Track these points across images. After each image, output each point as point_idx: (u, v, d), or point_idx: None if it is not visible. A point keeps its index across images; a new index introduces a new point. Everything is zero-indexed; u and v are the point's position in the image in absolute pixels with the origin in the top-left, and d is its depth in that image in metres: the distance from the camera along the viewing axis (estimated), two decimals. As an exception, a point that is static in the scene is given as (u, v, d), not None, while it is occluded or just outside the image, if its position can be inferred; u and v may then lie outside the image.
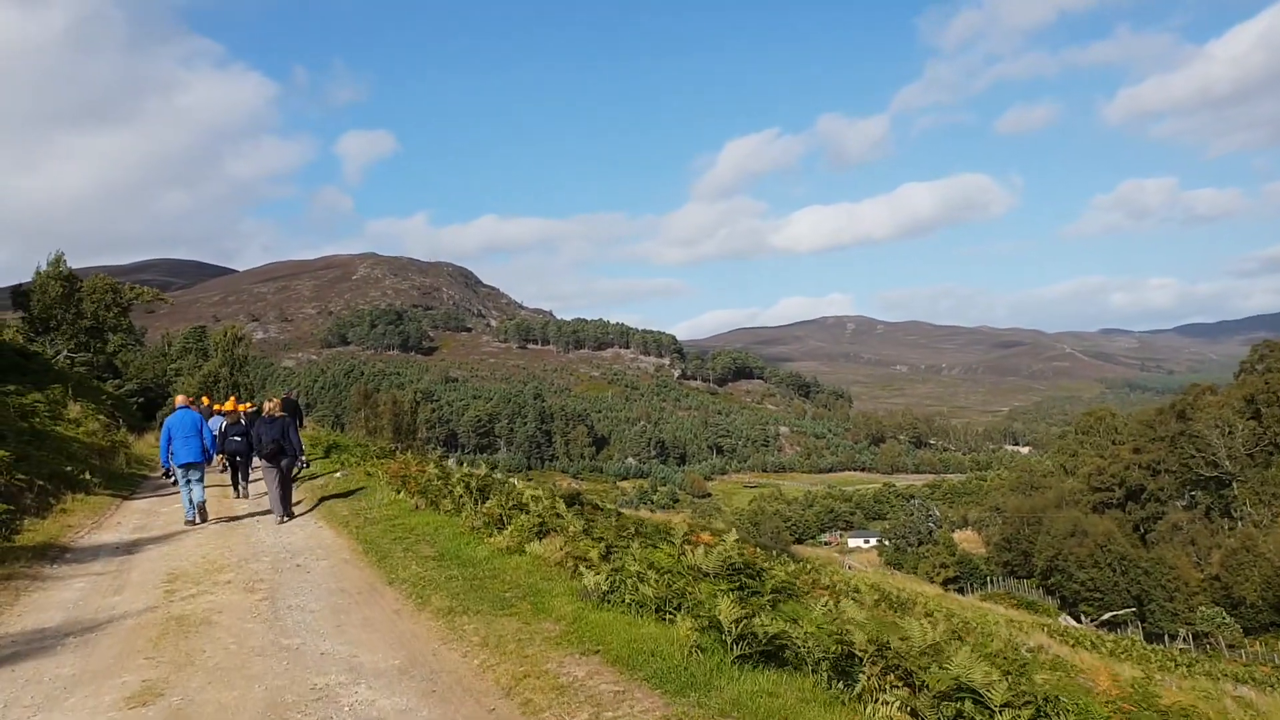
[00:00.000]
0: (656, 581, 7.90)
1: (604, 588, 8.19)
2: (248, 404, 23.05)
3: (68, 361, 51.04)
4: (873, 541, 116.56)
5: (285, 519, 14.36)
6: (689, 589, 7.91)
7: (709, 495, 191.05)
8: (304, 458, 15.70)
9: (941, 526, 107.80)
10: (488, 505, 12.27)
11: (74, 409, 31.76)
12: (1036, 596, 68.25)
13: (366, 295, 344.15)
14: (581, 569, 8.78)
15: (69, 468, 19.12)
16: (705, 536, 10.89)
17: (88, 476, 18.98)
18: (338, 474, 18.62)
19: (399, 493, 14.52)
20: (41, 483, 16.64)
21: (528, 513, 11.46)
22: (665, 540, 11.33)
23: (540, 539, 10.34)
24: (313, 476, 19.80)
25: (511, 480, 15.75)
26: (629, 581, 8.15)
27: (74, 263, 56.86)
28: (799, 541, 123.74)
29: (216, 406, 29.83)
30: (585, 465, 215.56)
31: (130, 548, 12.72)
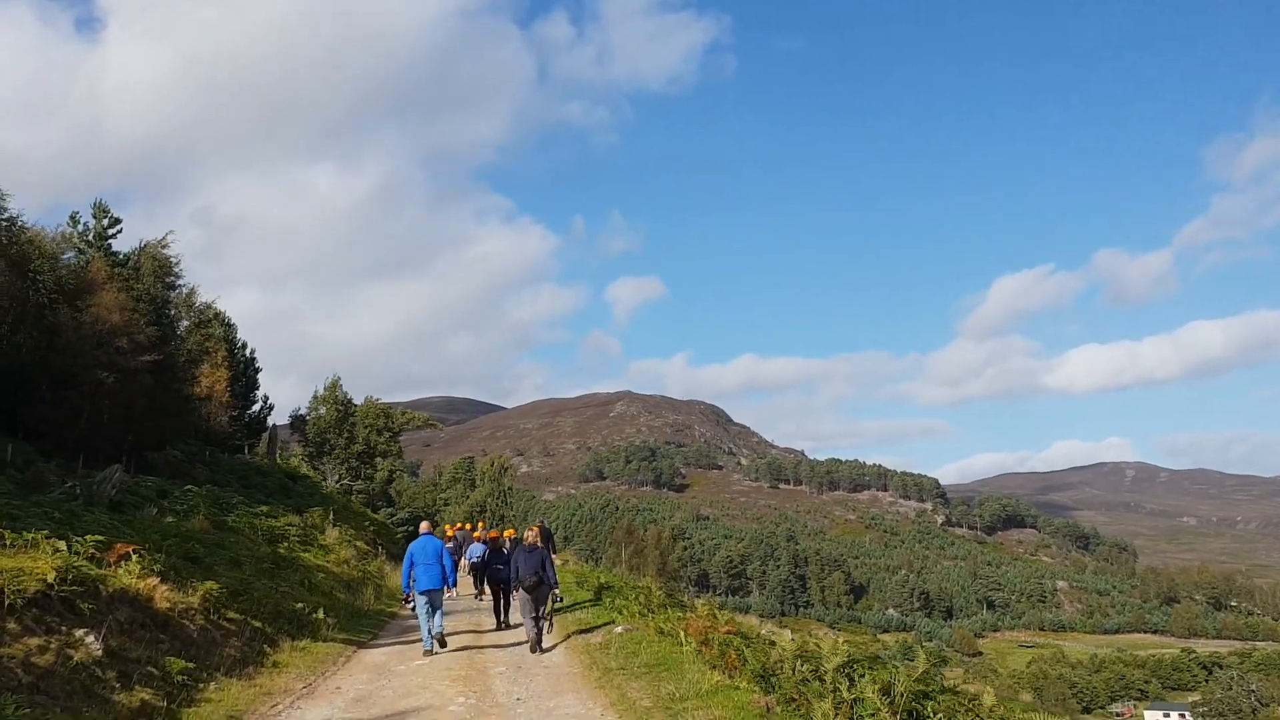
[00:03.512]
0: None
1: None
2: (494, 532, 21.93)
3: (340, 486, 50.75)
4: (1174, 716, 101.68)
5: (537, 649, 13.84)
6: None
7: (980, 654, 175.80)
8: (558, 590, 15.61)
9: (1267, 706, 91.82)
10: None
11: (331, 535, 29.56)
12: None
13: (623, 432, 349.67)
14: None
15: (299, 604, 15.82)
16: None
17: (320, 615, 15.57)
18: (618, 629, 14.19)
19: (723, 674, 9.86)
20: (258, 624, 13.23)
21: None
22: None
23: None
24: (588, 630, 15.54)
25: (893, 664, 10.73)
26: None
27: (361, 398, 57.43)
28: (1087, 710, 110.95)
29: (477, 535, 26.91)
30: (842, 614, 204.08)
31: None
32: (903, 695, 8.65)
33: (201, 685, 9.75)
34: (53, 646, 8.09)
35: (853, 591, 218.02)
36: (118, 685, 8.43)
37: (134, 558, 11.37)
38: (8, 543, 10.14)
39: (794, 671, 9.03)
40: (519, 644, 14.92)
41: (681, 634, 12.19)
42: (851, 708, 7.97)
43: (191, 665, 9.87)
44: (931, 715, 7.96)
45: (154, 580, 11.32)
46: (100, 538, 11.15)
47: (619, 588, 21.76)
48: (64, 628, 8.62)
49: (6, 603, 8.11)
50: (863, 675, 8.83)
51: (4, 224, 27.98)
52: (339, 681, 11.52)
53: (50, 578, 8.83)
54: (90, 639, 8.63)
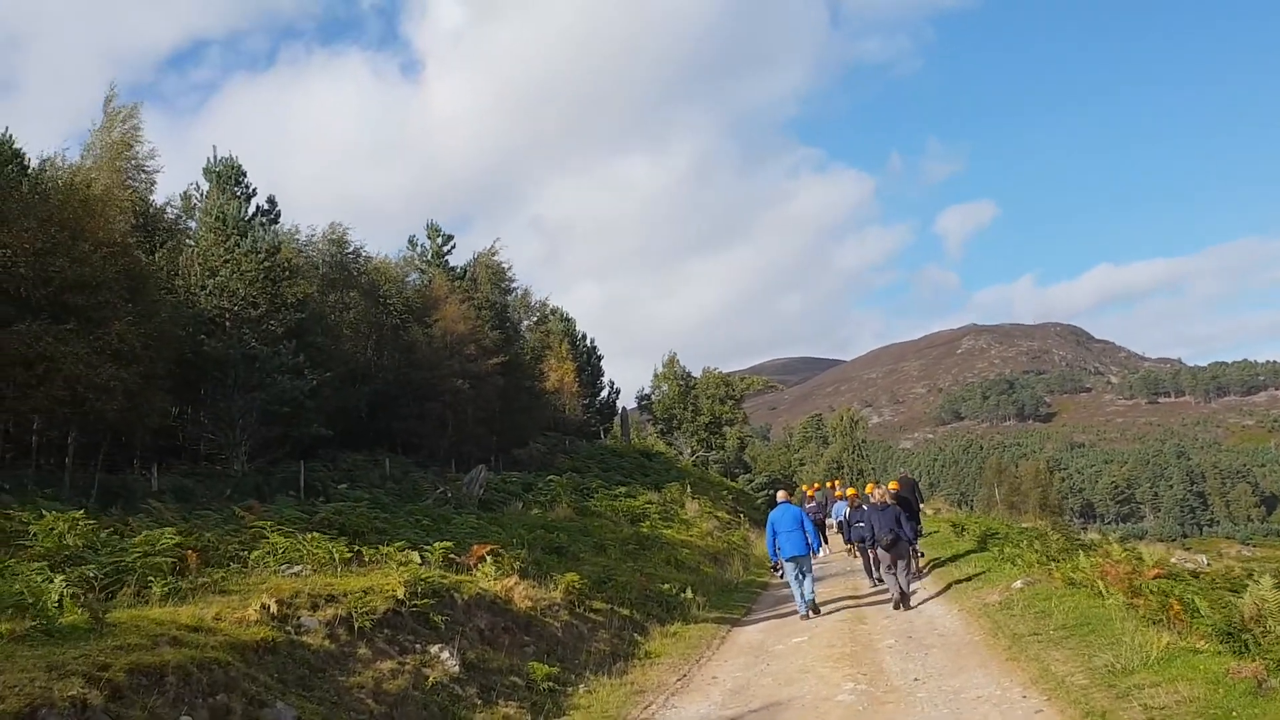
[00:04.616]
0: None
1: None
2: (853, 489, 22.04)
3: (695, 459, 51.23)
4: None
5: (905, 606, 13.46)
6: None
7: None
8: (918, 545, 16.13)
9: None
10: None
11: (690, 508, 29.31)
12: None
13: (974, 368, 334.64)
14: None
15: (666, 585, 15.16)
16: None
17: (689, 595, 14.83)
18: (1017, 583, 12.20)
19: (1171, 633, 7.75)
20: (625, 612, 12.61)
21: None
22: None
23: None
24: (978, 585, 13.71)
25: None
26: None
27: (699, 371, 57.85)
28: None
29: (837, 494, 25.65)
30: (1256, 529, 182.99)
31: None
32: None
33: (569, 689, 9.07)
34: (407, 668, 7.63)
35: (1263, 503, 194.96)
36: (479, 702, 7.85)
37: (489, 559, 11.00)
38: (365, 560, 10.03)
39: None
40: (905, 610, 13.43)
41: (1100, 583, 10.01)
42: None
43: (556, 669, 9.22)
44: None
45: (512, 580, 10.90)
46: (449, 544, 10.83)
47: (1004, 533, 19.50)
48: (418, 645, 8.19)
49: (356, 626, 7.74)
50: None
51: (350, 256, 30.05)
52: (714, 669, 10.52)
53: (400, 593, 8.46)
54: (446, 654, 8.14)
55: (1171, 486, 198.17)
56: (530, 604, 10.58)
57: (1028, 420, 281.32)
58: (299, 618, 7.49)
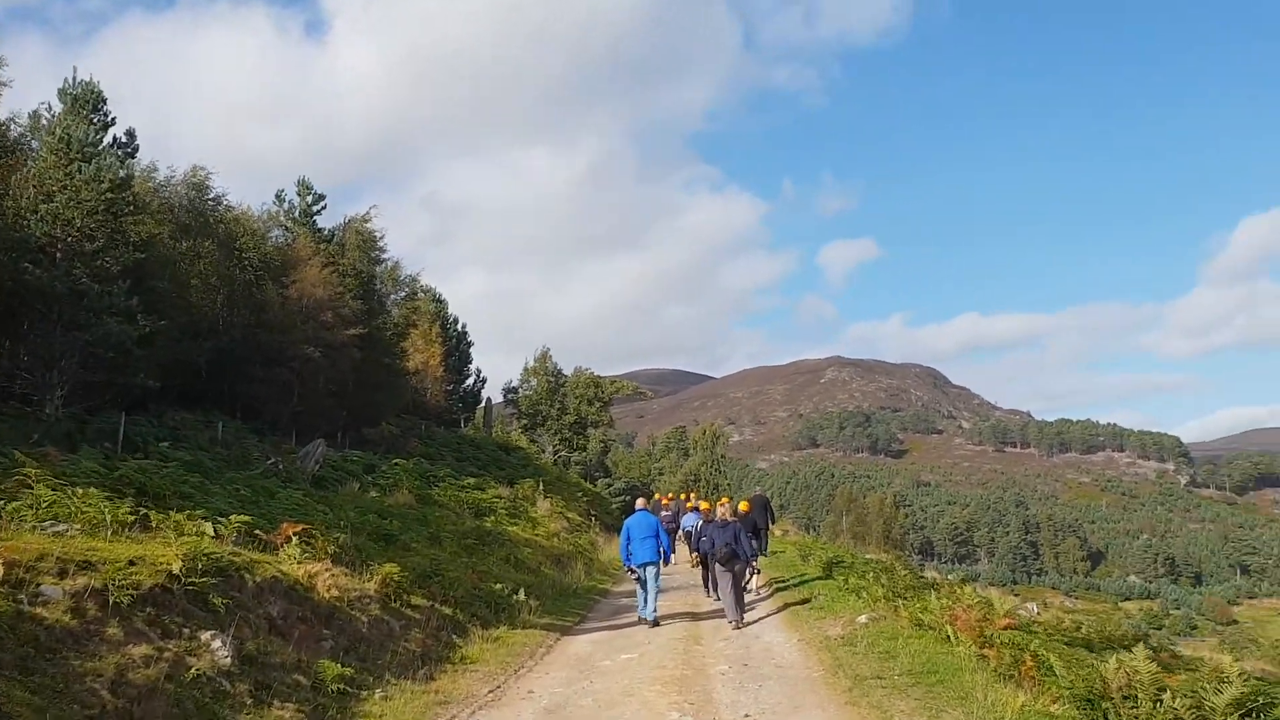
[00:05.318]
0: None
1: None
2: (706, 503, 21.56)
3: (555, 458, 50.26)
4: None
5: (738, 625, 13.42)
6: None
7: (1235, 623, 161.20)
8: (756, 564, 16.40)
9: None
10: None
11: (541, 506, 28.44)
12: None
13: (835, 398, 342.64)
14: None
15: (499, 585, 14.23)
16: None
17: (520, 597, 13.94)
18: (861, 618, 11.71)
19: (1026, 692, 7.22)
20: (448, 611, 11.65)
21: None
22: None
23: None
24: (819, 614, 13.23)
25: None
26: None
27: (571, 369, 56.97)
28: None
29: (689, 505, 25.25)
30: (1079, 582, 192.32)
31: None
32: None
33: (364, 693, 8.04)
34: (165, 656, 6.52)
35: (1089, 558, 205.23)
36: (249, 701, 6.78)
37: (295, 540, 9.89)
38: (153, 526, 8.80)
39: (1156, 709, 6.26)
40: (740, 631, 12.89)
41: (950, 629, 9.54)
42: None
43: (352, 669, 8.19)
44: None
45: (322, 564, 9.82)
46: (249, 518, 9.68)
47: (850, 562, 19.25)
48: (187, 630, 7.06)
49: (112, 602, 6.59)
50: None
51: (210, 203, 28.12)
52: (533, 683, 9.63)
53: (175, 568, 7.30)
54: (218, 643, 7.03)
55: (1008, 533, 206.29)
56: (337, 593, 9.51)
57: (880, 454, 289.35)
58: (39, 585, 6.32)
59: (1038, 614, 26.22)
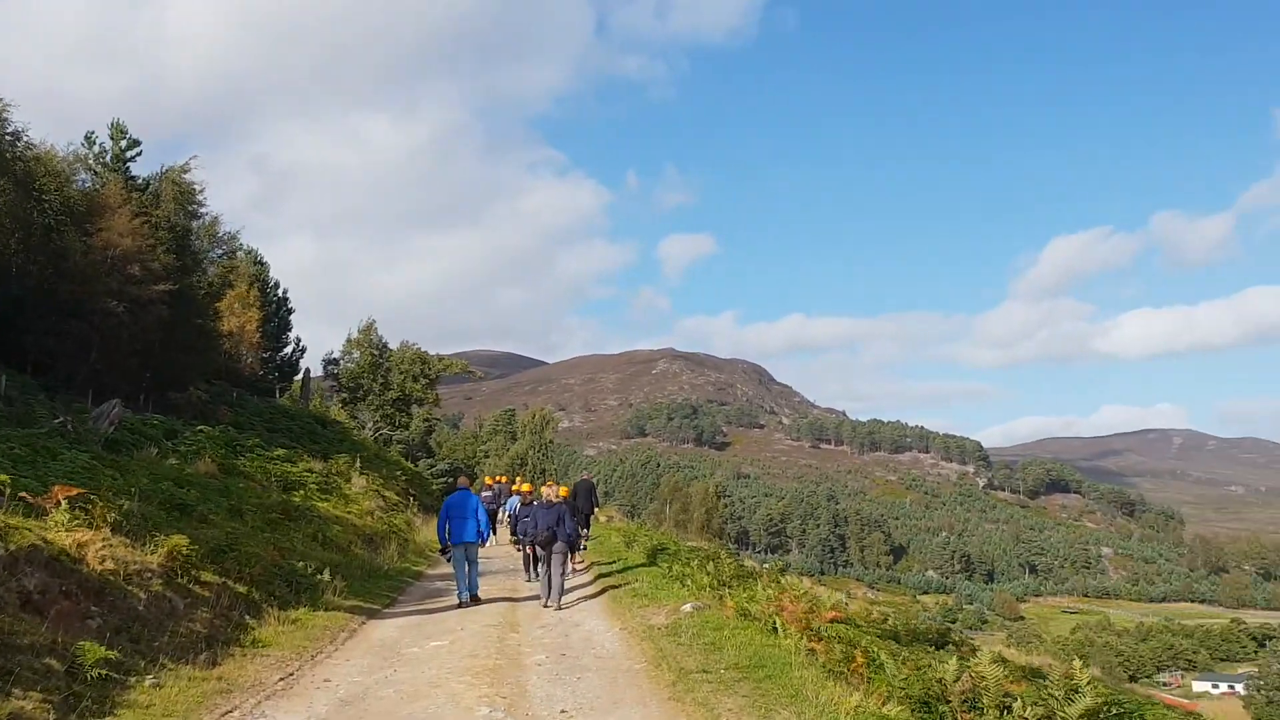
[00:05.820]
0: None
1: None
2: (529, 486, 20.59)
3: (378, 435, 48.47)
4: (1224, 688, 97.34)
5: (552, 606, 13.52)
6: None
7: (1022, 619, 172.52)
8: (584, 542, 17.43)
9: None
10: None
11: (356, 483, 27.19)
12: None
13: (664, 389, 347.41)
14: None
15: (301, 563, 13.28)
16: None
17: (324, 577, 13.03)
18: (686, 607, 11.40)
19: (858, 691, 6.95)
20: (241, 589, 10.68)
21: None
22: None
23: None
24: (641, 602, 12.88)
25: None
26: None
27: (397, 344, 54.99)
28: (1133, 679, 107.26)
29: (515, 487, 24.81)
30: (882, 575, 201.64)
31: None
32: None
33: (132, 679, 7.14)
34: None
35: (892, 552, 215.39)
36: (-16, 689, 5.85)
37: (65, 504, 8.79)
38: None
39: (1004, 716, 6.08)
40: (559, 618, 12.43)
41: (777, 620, 9.29)
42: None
43: (119, 652, 7.25)
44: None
45: (98, 533, 8.77)
46: (5, 478, 8.53)
47: (674, 550, 19.07)
48: (-90, 604, 6.05)
49: None
50: None
51: (7, 138, 25.54)
52: (330, 670, 8.86)
53: (-98, 531, 6.25)
54: (-52, 621, 6.05)
55: (819, 526, 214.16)
56: (113, 566, 8.49)
57: (705, 446, 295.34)
58: None
59: (847, 604, 26.86)
